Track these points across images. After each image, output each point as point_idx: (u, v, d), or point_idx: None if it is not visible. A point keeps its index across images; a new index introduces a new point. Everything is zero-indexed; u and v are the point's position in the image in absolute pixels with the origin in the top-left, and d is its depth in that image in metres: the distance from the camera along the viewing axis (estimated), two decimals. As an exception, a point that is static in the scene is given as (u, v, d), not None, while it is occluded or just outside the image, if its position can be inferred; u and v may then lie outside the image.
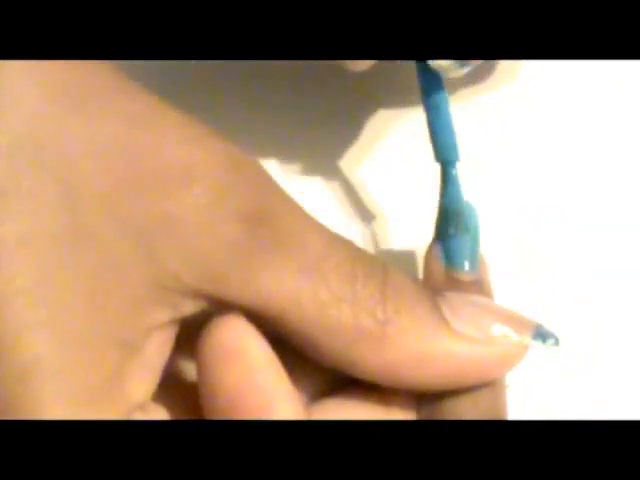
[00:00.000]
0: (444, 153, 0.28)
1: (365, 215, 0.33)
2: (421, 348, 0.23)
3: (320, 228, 0.24)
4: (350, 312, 0.23)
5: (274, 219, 0.23)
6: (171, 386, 0.25)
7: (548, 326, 0.25)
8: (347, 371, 0.24)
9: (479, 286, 0.26)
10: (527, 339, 0.24)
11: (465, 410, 0.24)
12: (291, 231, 0.23)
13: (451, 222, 0.27)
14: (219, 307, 0.23)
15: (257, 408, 0.22)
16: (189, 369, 0.25)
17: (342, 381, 0.25)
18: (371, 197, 0.34)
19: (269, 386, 0.23)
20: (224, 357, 0.23)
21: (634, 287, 0.32)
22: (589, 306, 0.32)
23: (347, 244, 0.24)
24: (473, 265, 0.26)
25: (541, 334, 0.25)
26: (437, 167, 0.28)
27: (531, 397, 0.30)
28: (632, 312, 0.32)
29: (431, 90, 0.28)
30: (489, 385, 0.25)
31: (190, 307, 0.23)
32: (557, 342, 0.25)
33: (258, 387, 0.23)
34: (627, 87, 0.35)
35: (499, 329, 0.24)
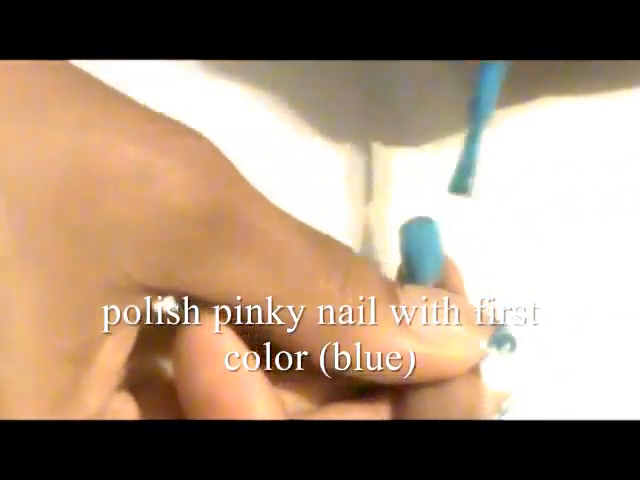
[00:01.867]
0: (483, 106, 0.27)
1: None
2: (376, 348, 0.23)
3: (283, 220, 0.23)
4: (309, 310, 0.23)
5: (233, 215, 0.22)
6: (148, 385, 0.25)
7: (508, 329, 0.25)
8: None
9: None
10: (482, 344, 0.24)
11: (434, 404, 0.24)
12: (251, 226, 0.22)
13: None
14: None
15: (234, 405, 0.23)
16: (165, 367, 0.25)
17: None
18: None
19: (245, 383, 0.23)
20: (199, 356, 0.23)
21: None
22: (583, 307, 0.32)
23: (311, 236, 0.24)
24: (434, 277, 0.26)
25: (497, 340, 0.24)
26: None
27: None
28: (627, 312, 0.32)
29: None
30: (463, 380, 0.24)
31: (145, 301, 0.23)
32: (513, 348, 0.24)
33: (234, 384, 0.23)
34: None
35: (455, 332, 0.24)
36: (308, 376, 0.25)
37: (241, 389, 0.23)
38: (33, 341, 0.21)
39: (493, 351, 0.24)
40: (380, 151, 0.34)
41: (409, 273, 0.26)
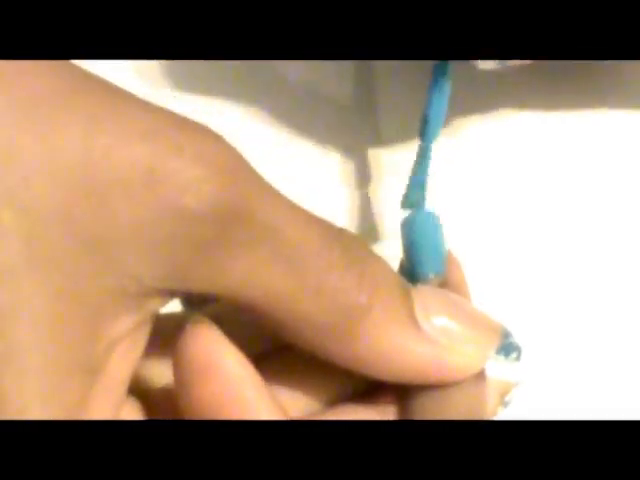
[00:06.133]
0: (432, 124, 0.29)
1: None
2: (388, 345, 0.23)
3: (297, 215, 0.22)
4: (324, 305, 0.22)
5: (245, 213, 0.21)
6: (153, 391, 0.24)
7: (515, 336, 0.24)
8: (318, 356, 0.24)
9: (447, 287, 0.26)
10: (490, 352, 0.24)
11: (437, 406, 0.24)
12: (264, 222, 0.22)
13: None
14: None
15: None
16: (162, 370, 0.24)
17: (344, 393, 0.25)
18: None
19: (249, 401, 0.22)
20: (201, 373, 0.22)
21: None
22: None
23: (326, 230, 0.23)
24: (437, 274, 0.26)
25: (505, 348, 0.24)
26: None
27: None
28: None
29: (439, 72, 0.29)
30: (467, 383, 0.24)
31: (155, 305, 0.22)
32: (519, 357, 0.24)
33: (238, 402, 0.22)
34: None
35: (464, 336, 0.24)
36: (313, 376, 0.25)
37: (245, 406, 0.22)
38: (43, 352, 0.20)
39: (501, 359, 0.24)
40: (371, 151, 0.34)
41: (411, 267, 0.26)
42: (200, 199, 0.21)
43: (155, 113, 0.21)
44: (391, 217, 0.33)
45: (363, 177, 0.34)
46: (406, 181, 0.28)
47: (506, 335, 0.24)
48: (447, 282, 0.26)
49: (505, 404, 0.26)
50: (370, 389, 0.25)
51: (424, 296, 0.24)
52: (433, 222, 0.27)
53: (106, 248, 0.20)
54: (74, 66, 0.21)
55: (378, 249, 0.25)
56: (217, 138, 0.22)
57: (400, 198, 0.28)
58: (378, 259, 0.24)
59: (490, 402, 0.25)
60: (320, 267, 0.22)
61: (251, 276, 0.22)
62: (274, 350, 0.25)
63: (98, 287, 0.21)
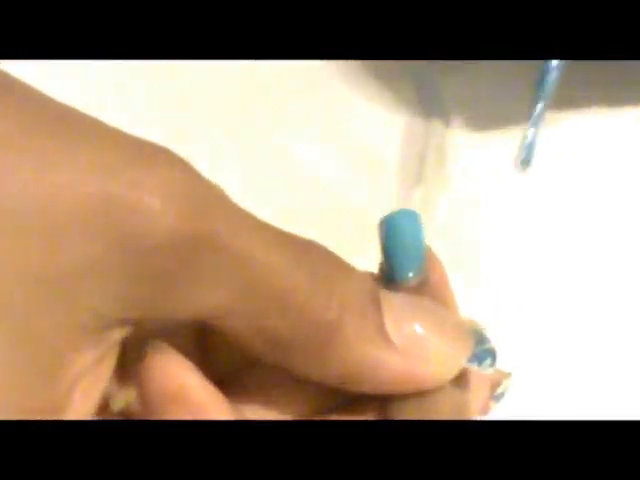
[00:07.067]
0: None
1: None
2: (359, 361, 0.23)
3: (262, 236, 0.22)
4: (291, 326, 0.22)
5: (208, 238, 0.21)
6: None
7: (489, 342, 0.24)
8: (291, 373, 0.24)
9: (427, 287, 0.25)
10: (462, 360, 0.24)
11: (417, 415, 0.24)
12: (228, 247, 0.21)
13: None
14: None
15: None
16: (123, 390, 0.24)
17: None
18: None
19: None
20: (169, 402, 0.22)
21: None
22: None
23: (293, 248, 0.22)
24: (417, 273, 0.25)
25: (478, 356, 0.24)
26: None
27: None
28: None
29: None
30: (446, 391, 0.24)
31: (117, 335, 0.22)
32: (493, 363, 0.24)
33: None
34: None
35: (435, 346, 0.24)
36: (290, 390, 0.25)
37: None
38: (2, 402, 0.20)
39: (474, 367, 0.24)
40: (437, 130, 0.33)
41: (390, 267, 0.26)
42: (159, 232, 0.20)
43: (115, 145, 0.21)
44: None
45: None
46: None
47: (480, 341, 0.24)
48: (427, 281, 0.26)
49: (497, 398, 0.25)
50: (351, 399, 0.25)
51: (395, 306, 0.24)
52: (411, 221, 0.26)
53: (62, 286, 0.20)
54: (26, 102, 0.21)
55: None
56: (181, 167, 0.21)
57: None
58: (348, 273, 0.23)
59: (480, 398, 0.25)
60: (286, 288, 0.22)
61: (215, 301, 0.22)
62: (248, 364, 0.25)
63: (55, 326, 0.20)
